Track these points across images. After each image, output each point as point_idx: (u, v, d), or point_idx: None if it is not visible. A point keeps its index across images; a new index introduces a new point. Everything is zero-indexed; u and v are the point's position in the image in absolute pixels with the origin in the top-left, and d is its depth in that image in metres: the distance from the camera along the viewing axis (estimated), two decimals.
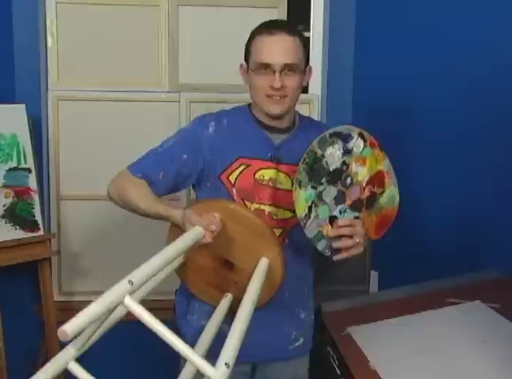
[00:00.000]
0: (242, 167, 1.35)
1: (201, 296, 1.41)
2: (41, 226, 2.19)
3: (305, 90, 2.44)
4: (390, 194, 1.28)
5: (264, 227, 1.26)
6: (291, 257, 1.37)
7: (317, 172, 1.20)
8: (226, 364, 0.81)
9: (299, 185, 1.20)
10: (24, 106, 2.17)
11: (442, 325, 1.41)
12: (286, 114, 1.36)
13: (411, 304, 1.55)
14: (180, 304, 1.51)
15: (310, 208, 1.21)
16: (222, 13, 2.39)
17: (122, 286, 0.81)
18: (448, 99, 1.93)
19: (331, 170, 1.21)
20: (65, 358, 0.87)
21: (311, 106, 2.42)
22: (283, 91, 1.29)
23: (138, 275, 0.85)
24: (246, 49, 1.35)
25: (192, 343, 1.00)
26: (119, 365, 2.38)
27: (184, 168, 1.36)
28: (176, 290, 1.55)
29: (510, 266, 1.63)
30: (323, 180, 1.21)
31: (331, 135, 1.21)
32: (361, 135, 1.23)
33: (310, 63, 1.39)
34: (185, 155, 1.35)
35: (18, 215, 2.14)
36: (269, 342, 1.43)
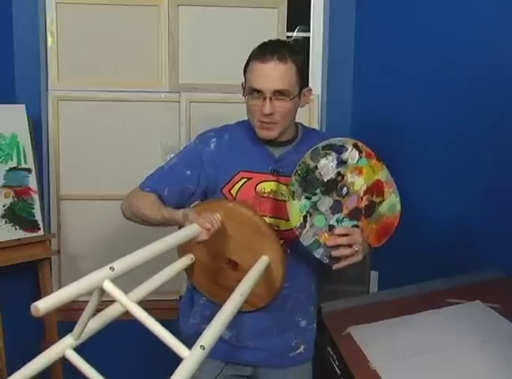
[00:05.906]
0: (243, 181, 1.39)
1: (209, 295, 1.44)
2: (41, 226, 2.19)
3: None
4: (391, 203, 1.31)
5: (260, 223, 1.30)
6: (294, 268, 1.39)
7: (310, 183, 1.25)
8: (201, 346, 0.84)
9: (293, 196, 1.25)
10: (24, 106, 2.17)
11: (441, 325, 1.41)
12: (282, 135, 1.38)
13: (411, 304, 1.55)
14: (184, 308, 1.54)
15: (305, 218, 1.25)
16: (222, 13, 2.39)
17: (103, 271, 0.84)
18: (449, 99, 1.93)
19: (325, 180, 1.26)
20: (63, 346, 0.91)
21: (311, 106, 2.42)
22: (272, 118, 1.32)
23: (120, 263, 0.88)
24: (244, 69, 1.38)
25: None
26: (121, 365, 2.37)
27: (189, 185, 1.40)
28: (181, 296, 1.57)
29: (509, 266, 1.63)
30: (317, 191, 1.26)
31: (324, 147, 1.25)
32: (356, 146, 1.27)
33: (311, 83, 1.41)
34: (188, 172, 1.40)
35: (18, 215, 2.14)
36: (269, 347, 1.46)
